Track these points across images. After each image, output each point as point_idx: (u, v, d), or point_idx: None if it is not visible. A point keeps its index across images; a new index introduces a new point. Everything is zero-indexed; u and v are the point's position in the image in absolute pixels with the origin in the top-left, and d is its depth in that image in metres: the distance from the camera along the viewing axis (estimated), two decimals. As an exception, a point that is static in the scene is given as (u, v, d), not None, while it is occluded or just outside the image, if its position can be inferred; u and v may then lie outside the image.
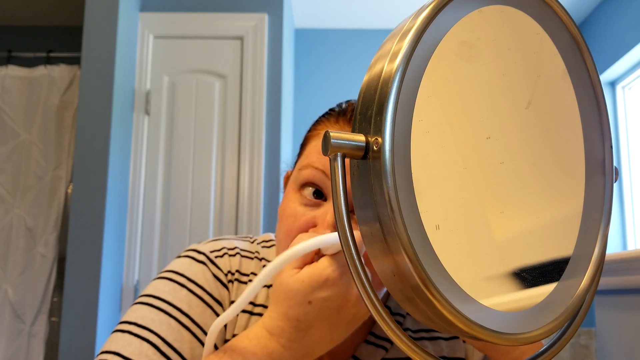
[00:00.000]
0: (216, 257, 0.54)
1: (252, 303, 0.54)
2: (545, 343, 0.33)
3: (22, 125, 2.03)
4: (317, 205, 0.47)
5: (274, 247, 0.58)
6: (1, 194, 1.98)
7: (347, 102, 0.54)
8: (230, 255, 0.55)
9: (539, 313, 0.29)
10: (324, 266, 0.40)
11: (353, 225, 0.29)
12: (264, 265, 0.56)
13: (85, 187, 1.72)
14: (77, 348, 1.62)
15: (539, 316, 0.29)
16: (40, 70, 2.06)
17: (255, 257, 0.56)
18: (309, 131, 0.54)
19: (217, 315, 0.51)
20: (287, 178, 0.55)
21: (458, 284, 0.27)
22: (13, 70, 2.06)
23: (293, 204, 0.48)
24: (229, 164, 1.95)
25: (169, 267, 0.54)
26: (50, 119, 2.02)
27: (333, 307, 0.40)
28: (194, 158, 1.96)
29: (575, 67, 0.33)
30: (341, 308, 0.40)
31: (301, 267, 0.42)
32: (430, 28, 0.28)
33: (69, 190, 1.97)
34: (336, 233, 0.39)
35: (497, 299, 0.28)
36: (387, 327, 0.28)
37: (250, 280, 0.55)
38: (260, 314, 0.53)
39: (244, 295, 0.42)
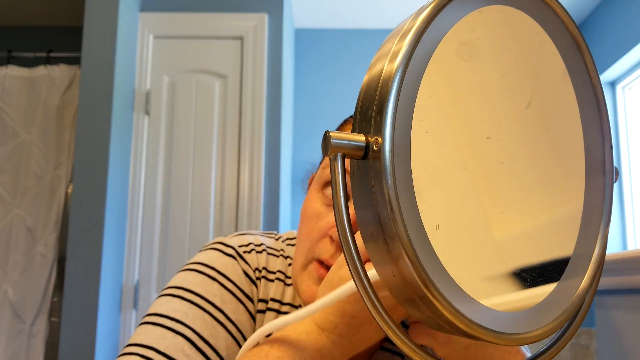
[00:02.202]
0: (244, 252, 0.52)
1: (279, 301, 0.52)
2: (546, 343, 0.33)
3: (22, 125, 2.03)
4: None
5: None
6: (1, 194, 1.98)
7: None
8: (257, 252, 0.53)
9: (539, 313, 0.29)
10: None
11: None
12: (289, 264, 0.55)
13: (85, 187, 1.72)
14: (77, 348, 1.62)
15: (539, 316, 0.29)
16: (40, 70, 2.06)
17: (281, 255, 0.55)
18: (340, 128, 0.53)
19: (249, 312, 0.49)
20: (311, 180, 0.54)
21: (458, 284, 0.27)
22: (13, 70, 2.07)
23: (315, 204, 0.47)
24: (229, 164, 1.95)
25: (196, 259, 0.51)
26: (50, 119, 2.02)
27: (388, 305, 0.39)
28: (194, 158, 1.96)
29: (576, 67, 0.33)
30: (395, 306, 0.39)
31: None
32: (430, 28, 0.28)
33: (69, 190, 1.97)
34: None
35: (497, 299, 0.28)
36: (392, 332, 0.28)
37: (277, 279, 0.53)
38: (287, 312, 0.51)
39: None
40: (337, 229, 0.28)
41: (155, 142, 1.97)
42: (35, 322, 1.89)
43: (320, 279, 0.46)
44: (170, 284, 0.49)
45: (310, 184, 0.54)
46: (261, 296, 0.51)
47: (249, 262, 0.52)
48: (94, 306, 1.65)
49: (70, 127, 2.02)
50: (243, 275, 0.50)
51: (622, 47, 2.17)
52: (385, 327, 0.28)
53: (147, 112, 1.99)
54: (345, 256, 0.28)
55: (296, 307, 0.52)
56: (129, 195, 1.92)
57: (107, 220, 1.72)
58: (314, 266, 0.47)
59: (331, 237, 0.46)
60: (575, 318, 0.32)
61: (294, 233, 0.58)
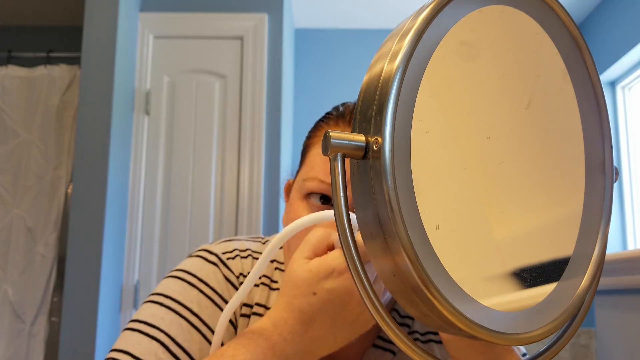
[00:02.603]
0: (228, 258, 0.53)
1: (264, 306, 0.53)
2: (546, 343, 0.33)
3: (22, 125, 2.03)
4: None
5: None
6: (1, 194, 1.98)
7: (344, 104, 0.53)
8: (242, 257, 0.54)
9: (539, 313, 0.29)
10: (332, 257, 0.40)
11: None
12: (275, 268, 0.56)
13: (85, 187, 1.72)
14: (77, 348, 1.62)
15: (539, 316, 0.29)
16: (40, 70, 2.06)
17: None
18: (309, 138, 0.53)
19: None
20: (288, 186, 0.55)
21: (458, 283, 0.27)
22: (13, 70, 2.06)
23: (301, 212, 0.48)
24: (229, 164, 1.95)
25: (180, 267, 0.53)
26: (50, 119, 2.02)
27: (337, 301, 0.39)
28: (194, 158, 1.96)
29: (576, 67, 0.33)
30: (345, 304, 0.39)
31: (312, 258, 0.41)
32: (430, 28, 0.28)
33: (69, 190, 1.97)
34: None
35: (497, 299, 0.28)
36: (388, 327, 0.28)
37: (262, 283, 0.54)
38: (256, 314, 0.52)
39: (249, 279, 0.42)
40: (337, 229, 0.28)
41: (155, 142, 1.97)
42: (35, 322, 1.89)
43: None
44: (154, 290, 0.51)
45: (288, 191, 0.54)
46: (246, 301, 0.52)
47: (232, 268, 0.53)
48: (94, 306, 1.65)
49: (70, 127, 2.02)
50: (224, 282, 0.51)
51: (622, 48, 2.17)
52: (382, 324, 0.28)
53: (147, 112, 1.99)
54: (345, 256, 0.28)
55: None
56: (129, 195, 1.92)
57: (107, 220, 1.72)
58: None
59: None
60: (575, 318, 0.32)
61: None
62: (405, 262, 0.26)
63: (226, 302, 0.51)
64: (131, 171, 1.93)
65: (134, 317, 0.49)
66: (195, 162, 1.95)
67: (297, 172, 0.53)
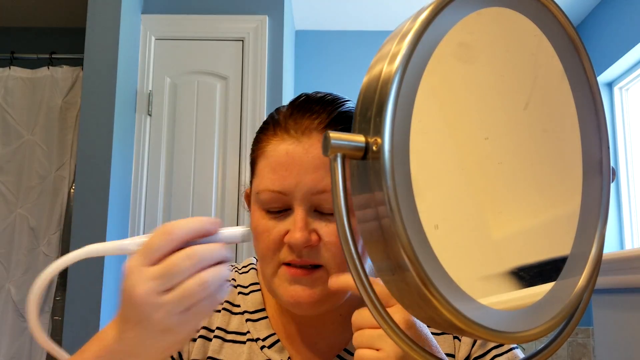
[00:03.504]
0: None
1: (224, 330, 0.55)
2: (543, 341, 0.33)
3: (25, 126, 2.03)
4: (285, 216, 0.48)
5: (252, 271, 0.59)
6: (4, 194, 1.99)
7: (277, 110, 0.53)
8: None
9: (537, 312, 0.29)
10: (132, 259, 0.38)
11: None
12: (239, 292, 0.57)
13: (87, 187, 1.73)
14: (80, 347, 1.62)
15: (536, 315, 0.29)
16: (43, 72, 2.07)
17: (231, 284, 0.55)
18: (253, 152, 0.53)
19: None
20: (247, 196, 0.56)
21: (456, 283, 0.27)
22: (16, 72, 2.07)
23: (263, 220, 0.49)
24: (230, 165, 1.96)
25: None
26: (53, 120, 2.03)
27: (127, 301, 0.37)
28: (196, 158, 1.96)
29: (573, 68, 0.33)
30: (134, 305, 0.37)
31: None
32: (429, 30, 0.28)
33: (72, 191, 1.97)
34: (124, 241, 0.39)
35: (495, 298, 0.28)
36: (383, 320, 0.28)
37: (223, 309, 0.56)
38: (232, 340, 0.54)
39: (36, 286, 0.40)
40: (338, 229, 0.29)
41: (157, 143, 1.98)
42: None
43: (292, 279, 0.48)
44: None
45: (248, 199, 0.55)
46: (206, 324, 0.54)
47: None
48: (97, 305, 1.66)
49: (73, 127, 2.03)
50: None
51: (620, 49, 2.17)
52: (385, 327, 0.29)
53: (149, 113, 1.99)
54: (345, 256, 0.28)
55: (243, 333, 0.55)
56: (131, 196, 1.93)
57: (109, 220, 1.72)
58: (282, 270, 0.49)
59: (288, 244, 0.48)
60: (573, 317, 0.32)
61: (251, 260, 0.61)
62: (404, 262, 0.26)
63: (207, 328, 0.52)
64: (133, 171, 1.94)
65: None
66: (197, 162, 1.96)
67: (251, 181, 0.53)
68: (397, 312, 0.39)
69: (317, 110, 0.50)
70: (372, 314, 0.29)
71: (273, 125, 0.51)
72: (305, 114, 0.50)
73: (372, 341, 0.39)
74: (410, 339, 0.29)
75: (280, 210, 0.49)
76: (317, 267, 0.48)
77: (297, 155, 0.47)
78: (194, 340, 0.54)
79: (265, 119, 0.60)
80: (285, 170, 0.47)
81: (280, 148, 0.48)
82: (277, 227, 0.48)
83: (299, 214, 0.47)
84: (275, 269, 0.49)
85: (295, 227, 0.47)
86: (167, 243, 0.36)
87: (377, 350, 0.38)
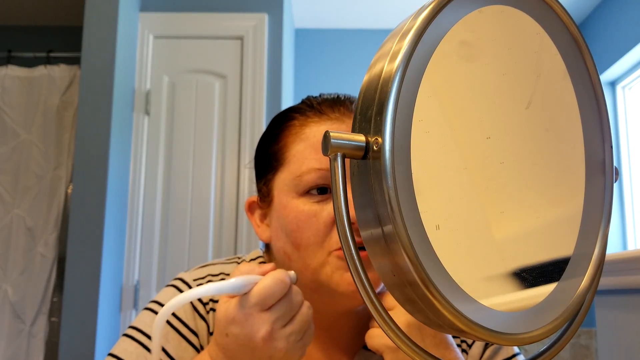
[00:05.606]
0: (198, 285, 0.54)
1: None
2: (546, 343, 0.33)
3: (22, 125, 2.03)
4: (327, 200, 0.48)
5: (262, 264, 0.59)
6: (1, 194, 1.98)
7: (305, 100, 0.54)
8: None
9: (539, 313, 0.29)
10: (232, 306, 0.42)
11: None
12: None
13: (85, 187, 1.72)
14: (77, 348, 1.62)
15: (539, 316, 0.29)
16: (40, 70, 2.06)
17: None
18: (277, 142, 0.52)
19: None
20: (252, 203, 0.55)
21: (458, 284, 0.27)
22: (13, 70, 2.06)
23: (306, 206, 0.48)
24: (229, 164, 1.95)
25: (155, 297, 0.56)
26: (50, 119, 2.02)
27: (243, 345, 0.42)
28: (194, 158, 1.96)
29: (576, 67, 0.33)
30: (252, 349, 0.42)
31: (232, 297, 0.43)
32: (430, 28, 0.28)
33: (69, 190, 1.97)
34: (236, 279, 0.41)
35: (497, 299, 0.28)
36: (387, 327, 0.28)
37: None
38: None
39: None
40: (337, 229, 0.28)
41: (155, 142, 1.97)
42: (35, 322, 1.89)
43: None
44: (131, 323, 0.55)
45: (252, 208, 0.55)
46: (212, 329, 0.54)
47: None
48: (94, 306, 1.65)
49: (70, 127, 2.02)
50: (191, 311, 0.53)
51: (622, 47, 2.17)
52: (386, 329, 0.28)
53: (147, 112, 1.99)
54: (345, 256, 0.28)
55: None
56: (129, 195, 1.92)
57: (107, 220, 1.72)
58: (334, 257, 0.47)
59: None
60: (576, 318, 0.32)
61: (259, 252, 0.60)
62: (405, 262, 0.26)
63: (191, 330, 0.53)
64: (131, 171, 1.93)
65: (110, 351, 0.52)
66: (195, 161, 1.95)
67: (272, 177, 0.52)
68: (401, 315, 0.39)
69: (346, 100, 0.53)
70: (372, 314, 0.28)
71: (307, 110, 0.52)
72: (336, 102, 0.52)
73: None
74: (411, 341, 0.29)
75: (326, 190, 0.48)
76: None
77: None
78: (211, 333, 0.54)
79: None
80: None
81: (322, 128, 0.50)
82: (325, 210, 0.47)
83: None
84: (324, 257, 0.48)
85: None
86: (283, 289, 0.42)
87: None
